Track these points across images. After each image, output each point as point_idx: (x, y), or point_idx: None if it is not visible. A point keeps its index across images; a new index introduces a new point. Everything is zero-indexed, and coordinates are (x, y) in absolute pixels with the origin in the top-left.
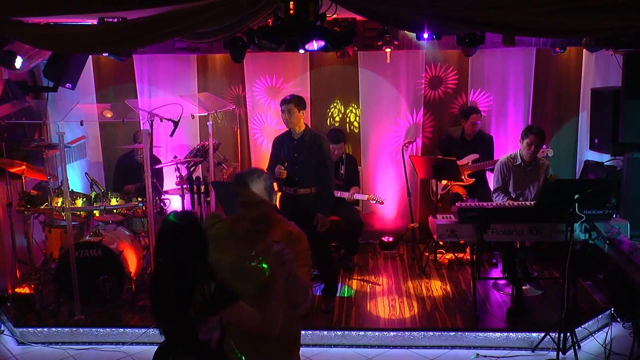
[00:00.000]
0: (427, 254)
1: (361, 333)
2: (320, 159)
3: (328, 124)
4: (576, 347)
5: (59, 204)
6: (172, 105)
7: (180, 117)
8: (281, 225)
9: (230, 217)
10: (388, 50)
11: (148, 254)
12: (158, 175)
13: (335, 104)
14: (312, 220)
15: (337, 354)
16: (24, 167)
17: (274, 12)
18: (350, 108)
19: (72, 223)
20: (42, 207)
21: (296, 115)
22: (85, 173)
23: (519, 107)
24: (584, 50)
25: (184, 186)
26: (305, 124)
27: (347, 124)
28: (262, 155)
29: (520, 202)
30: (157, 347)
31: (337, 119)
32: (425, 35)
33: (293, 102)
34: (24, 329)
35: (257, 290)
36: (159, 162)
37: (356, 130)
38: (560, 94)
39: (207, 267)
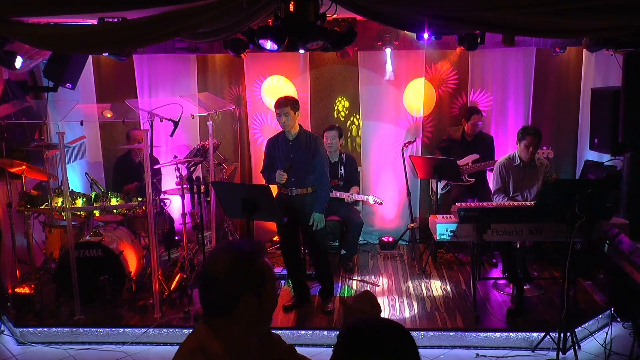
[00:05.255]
0: (427, 253)
1: None
2: (316, 159)
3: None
4: (576, 347)
5: (59, 204)
6: (172, 105)
7: (180, 117)
8: None
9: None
10: (388, 50)
11: (148, 254)
12: (157, 175)
13: (337, 103)
14: (308, 221)
15: None
16: (24, 167)
17: (274, 12)
18: (350, 105)
19: (72, 223)
20: (42, 207)
21: (292, 117)
22: (85, 173)
23: (519, 107)
24: (584, 50)
25: (184, 186)
26: (300, 125)
27: (348, 124)
28: (262, 155)
29: (520, 202)
30: (156, 347)
31: (341, 117)
32: (426, 36)
33: (289, 105)
34: (24, 329)
35: None
36: (157, 161)
37: (356, 130)
38: (560, 94)
39: None
